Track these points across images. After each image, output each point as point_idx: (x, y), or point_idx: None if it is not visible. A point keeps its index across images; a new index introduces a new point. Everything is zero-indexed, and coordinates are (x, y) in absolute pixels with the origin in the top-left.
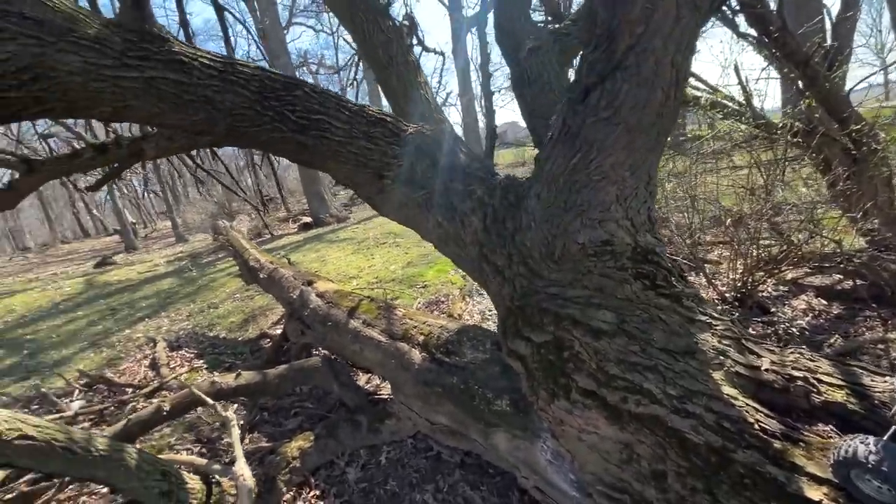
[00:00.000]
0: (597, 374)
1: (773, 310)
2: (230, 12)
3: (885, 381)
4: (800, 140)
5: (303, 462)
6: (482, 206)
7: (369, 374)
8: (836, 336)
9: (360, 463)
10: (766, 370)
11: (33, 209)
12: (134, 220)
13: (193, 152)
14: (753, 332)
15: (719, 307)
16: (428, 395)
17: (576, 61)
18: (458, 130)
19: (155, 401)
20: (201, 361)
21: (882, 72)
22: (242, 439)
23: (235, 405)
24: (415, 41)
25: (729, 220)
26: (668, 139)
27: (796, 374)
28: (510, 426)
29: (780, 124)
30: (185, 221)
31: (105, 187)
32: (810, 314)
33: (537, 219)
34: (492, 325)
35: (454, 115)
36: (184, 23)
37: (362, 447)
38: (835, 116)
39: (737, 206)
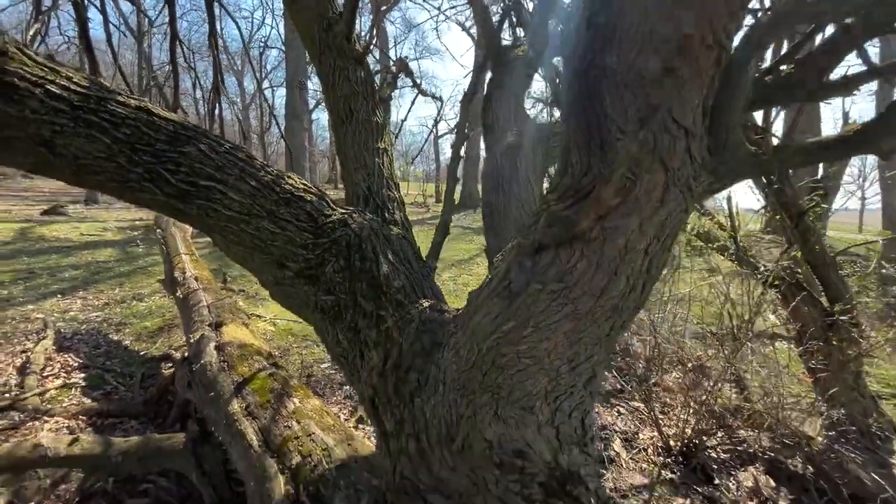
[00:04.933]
0: None
1: (716, 481)
2: None
3: None
4: (782, 294)
5: None
6: (388, 341)
7: None
8: None
9: None
10: None
11: None
12: None
13: None
14: None
15: (660, 458)
16: None
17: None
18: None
19: None
20: (82, 375)
21: (860, 202)
22: None
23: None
24: (409, 84)
25: (689, 363)
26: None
27: None
28: None
29: (763, 272)
30: None
31: None
32: (755, 499)
33: (447, 382)
34: None
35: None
36: (81, 24)
37: None
38: (819, 277)
39: (699, 351)
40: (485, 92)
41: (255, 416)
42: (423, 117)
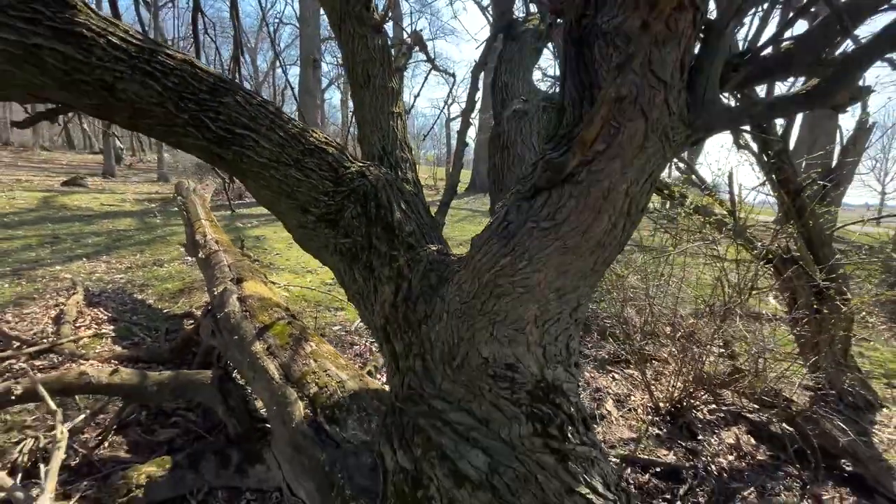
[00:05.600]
0: None
1: (700, 437)
2: None
3: None
4: (775, 267)
5: (147, 492)
6: (399, 277)
7: None
8: (752, 489)
9: None
10: None
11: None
12: (122, 146)
13: None
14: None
15: (649, 417)
16: (294, 462)
17: None
18: (471, 141)
19: (37, 364)
20: (111, 327)
21: (880, 196)
22: (105, 439)
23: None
24: (423, 58)
25: (679, 332)
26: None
27: None
28: None
29: (759, 249)
30: (174, 160)
31: None
32: (734, 453)
33: (451, 311)
34: None
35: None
36: None
37: (224, 487)
38: (813, 253)
39: (692, 319)
40: (495, 63)
41: (275, 356)
42: (434, 99)
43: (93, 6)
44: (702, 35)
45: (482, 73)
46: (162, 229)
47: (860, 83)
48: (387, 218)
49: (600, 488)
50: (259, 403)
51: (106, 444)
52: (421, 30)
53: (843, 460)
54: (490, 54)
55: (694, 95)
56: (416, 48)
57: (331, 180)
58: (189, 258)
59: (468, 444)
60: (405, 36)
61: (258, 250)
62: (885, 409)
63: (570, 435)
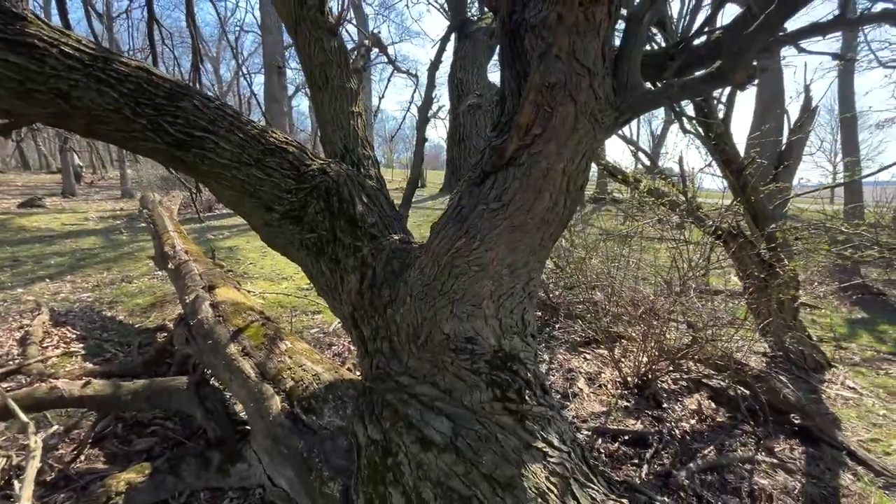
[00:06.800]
0: (411, 494)
1: (665, 405)
2: None
3: None
4: (724, 241)
5: (128, 499)
6: (364, 266)
7: None
8: (711, 447)
9: None
10: None
11: None
12: (81, 164)
13: None
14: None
15: (618, 391)
16: (274, 453)
17: None
18: (443, 143)
19: (4, 386)
20: (81, 345)
21: (831, 177)
22: (80, 452)
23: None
24: (384, 60)
25: (642, 309)
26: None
27: None
28: None
29: (709, 224)
30: (137, 175)
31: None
32: (696, 417)
33: (414, 294)
34: None
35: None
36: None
37: (206, 488)
38: (758, 227)
39: (653, 296)
40: (451, 61)
41: (250, 356)
42: (403, 101)
43: (43, 17)
44: (623, 25)
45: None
46: (129, 246)
47: (761, 63)
48: (349, 211)
49: (556, 442)
50: (239, 407)
51: (82, 457)
52: (379, 32)
53: (792, 415)
54: (444, 53)
55: (618, 80)
56: (377, 50)
57: (293, 178)
58: (159, 272)
59: (433, 413)
60: (365, 39)
61: (231, 261)
62: (833, 369)
63: (527, 398)
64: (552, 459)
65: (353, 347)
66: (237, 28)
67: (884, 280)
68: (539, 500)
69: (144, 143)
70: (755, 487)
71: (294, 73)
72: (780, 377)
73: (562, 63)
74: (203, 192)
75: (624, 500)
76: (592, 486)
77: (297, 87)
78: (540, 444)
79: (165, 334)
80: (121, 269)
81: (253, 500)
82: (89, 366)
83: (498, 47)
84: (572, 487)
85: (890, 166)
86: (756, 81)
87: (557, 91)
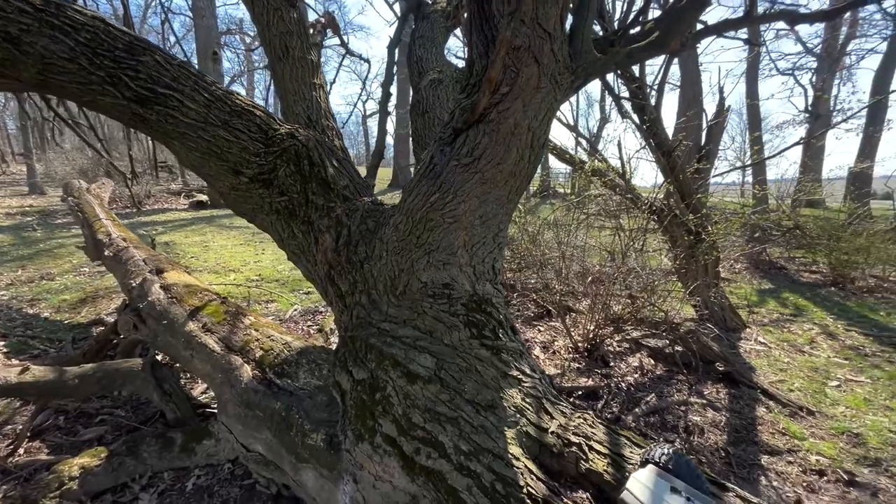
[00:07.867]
0: (401, 420)
1: (611, 364)
2: None
3: (640, 453)
4: (656, 217)
5: (83, 484)
6: (339, 225)
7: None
8: (652, 394)
9: (160, 488)
10: (552, 433)
11: None
12: None
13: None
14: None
15: (570, 355)
16: (248, 419)
17: None
18: (390, 140)
19: None
20: (1, 343)
21: (741, 171)
22: (18, 445)
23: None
24: (338, 43)
25: (590, 277)
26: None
27: (574, 439)
28: (319, 464)
29: (644, 201)
30: (47, 171)
31: None
32: (639, 372)
33: (390, 249)
34: None
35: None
36: None
37: (170, 469)
38: (684, 202)
39: (598, 267)
40: (409, 39)
41: (213, 332)
42: (348, 95)
43: None
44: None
45: (396, 51)
46: (45, 243)
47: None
48: (321, 174)
49: (528, 371)
50: (198, 389)
51: (21, 450)
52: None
53: (717, 364)
54: (402, 33)
55: (574, 48)
56: (329, 30)
57: (261, 141)
58: (86, 269)
59: (416, 351)
60: (318, 18)
61: (170, 255)
62: (748, 329)
63: (500, 336)
64: (526, 384)
65: (312, 332)
66: (163, 12)
67: (785, 257)
68: (517, 415)
69: (103, 98)
70: (689, 423)
71: (230, 63)
72: (707, 333)
73: (526, 27)
74: (136, 180)
75: (588, 413)
76: (561, 404)
77: (233, 77)
78: (515, 373)
79: (103, 328)
80: (38, 266)
81: (222, 474)
82: (16, 362)
83: (461, 25)
84: (545, 405)
85: (784, 151)
86: (684, 52)
87: (523, 53)
